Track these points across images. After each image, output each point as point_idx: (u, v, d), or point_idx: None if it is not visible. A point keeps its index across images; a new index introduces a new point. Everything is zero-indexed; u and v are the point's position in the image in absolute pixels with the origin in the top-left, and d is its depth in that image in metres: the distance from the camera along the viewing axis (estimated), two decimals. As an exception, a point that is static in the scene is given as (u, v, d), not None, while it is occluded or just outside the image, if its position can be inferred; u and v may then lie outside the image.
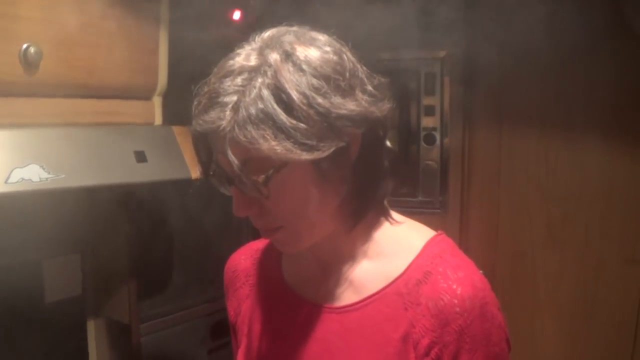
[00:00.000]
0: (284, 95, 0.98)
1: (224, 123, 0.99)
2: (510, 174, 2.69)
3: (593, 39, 2.46)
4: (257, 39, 1.08)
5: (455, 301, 1.08)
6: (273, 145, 0.97)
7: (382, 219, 1.21)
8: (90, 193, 1.99)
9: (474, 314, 1.08)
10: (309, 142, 0.99)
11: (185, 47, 1.92)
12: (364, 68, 1.12)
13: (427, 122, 2.73)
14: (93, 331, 2.22)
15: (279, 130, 0.97)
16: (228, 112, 0.99)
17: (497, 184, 2.70)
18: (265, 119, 0.97)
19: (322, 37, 1.09)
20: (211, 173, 1.08)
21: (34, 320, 2.01)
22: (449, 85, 2.70)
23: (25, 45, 1.41)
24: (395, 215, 1.23)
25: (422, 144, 2.74)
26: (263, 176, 1.02)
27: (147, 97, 1.73)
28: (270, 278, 1.30)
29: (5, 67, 1.40)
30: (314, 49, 1.04)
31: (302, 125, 0.98)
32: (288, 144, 0.98)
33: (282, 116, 0.97)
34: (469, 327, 1.07)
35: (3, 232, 1.84)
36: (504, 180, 2.70)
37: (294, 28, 1.10)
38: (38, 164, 1.41)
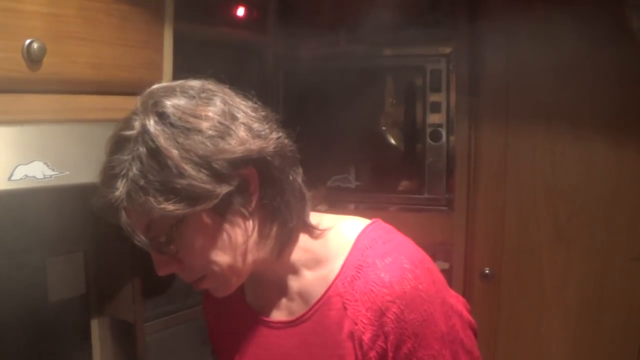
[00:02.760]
0: (162, 158, 1.02)
1: (117, 194, 1.03)
2: (517, 171, 2.68)
3: (599, 36, 2.46)
4: (137, 101, 1.12)
5: (385, 290, 1.09)
6: (164, 206, 1.02)
7: (310, 233, 1.22)
8: (95, 190, 1.97)
9: (406, 298, 1.08)
10: (197, 194, 1.03)
11: (190, 43, 1.91)
12: (247, 103, 1.15)
13: (433, 119, 2.72)
14: (97, 330, 2.21)
15: (166, 191, 1.02)
16: (118, 184, 1.04)
17: (504, 181, 2.70)
18: (152, 183, 1.02)
19: (196, 85, 1.12)
20: (137, 242, 1.10)
21: (38, 319, 2.00)
22: (455, 82, 2.69)
23: (28, 41, 1.39)
24: (326, 217, 1.25)
25: (428, 141, 2.73)
26: (165, 236, 1.07)
27: (152, 93, 1.72)
28: (235, 300, 1.33)
29: (8, 63, 1.38)
30: (186, 101, 1.08)
31: (185, 181, 1.02)
32: (178, 201, 1.02)
33: (165, 177, 1.02)
34: (405, 313, 1.08)
35: (6, 230, 1.83)
36: (510, 177, 2.69)
37: (165, 84, 1.14)
38: (42, 160, 1.39)
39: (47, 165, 1.40)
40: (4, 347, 1.90)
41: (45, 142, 1.42)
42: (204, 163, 1.03)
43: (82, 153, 1.47)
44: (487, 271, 2.75)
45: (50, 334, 2.05)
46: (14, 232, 1.86)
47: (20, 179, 1.36)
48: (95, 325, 2.21)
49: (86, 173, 1.45)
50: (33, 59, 1.41)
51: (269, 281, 1.25)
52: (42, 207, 1.89)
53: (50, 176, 1.41)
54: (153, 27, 1.73)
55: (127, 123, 1.08)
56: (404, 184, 2.80)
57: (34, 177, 1.38)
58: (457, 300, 1.18)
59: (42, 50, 1.41)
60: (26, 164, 1.37)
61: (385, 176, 2.86)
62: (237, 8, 2.62)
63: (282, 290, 1.24)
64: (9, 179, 1.34)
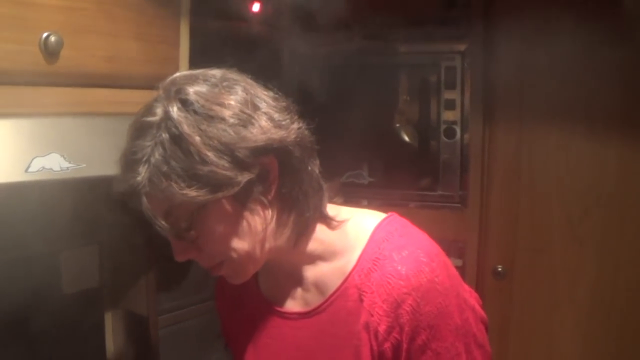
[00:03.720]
0: (185, 144, 1.03)
1: (139, 179, 1.05)
2: (530, 168, 2.68)
3: (614, 34, 2.45)
4: (160, 88, 1.13)
5: (401, 282, 1.10)
6: (186, 192, 1.03)
7: (327, 223, 1.23)
8: (110, 183, 1.98)
9: (422, 291, 1.09)
10: (219, 181, 1.04)
11: (205, 38, 1.91)
12: (269, 93, 1.16)
13: (448, 116, 2.73)
14: (110, 323, 2.22)
15: (189, 177, 1.03)
16: (140, 169, 1.05)
17: (517, 179, 2.70)
18: (174, 169, 1.03)
19: (217, 73, 1.13)
20: (158, 228, 1.11)
21: (52, 312, 2.01)
22: (470, 79, 2.69)
23: (45, 34, 1.40)
24: (344, 210, 1.26)
25: (442, 138, 2.73)
26: (185, 222, 1.09)
27: (168, 87, 1.72)
28: (248, 290, 1.34)
29: (26, 56, 1.39)
30: (208, 89, 1.09)
31: (207, 167, 1.03)
32: (200, 188, 1.04)
33: (188, 163, 1.03)
34: (421, 305, 1.09)
35: (22, 221, 1.83)
36: (524, 175, 2.69)
37: (187, 72, 1.15)
38: (59, 153, 1.40)
39: (64, 158, 1.41)
40: (18, 339, 1.92)
41: (62, 135, 1.43)
42: (227, 150, 1.04)
43: (99, 146, 1.48)
44: (499, 269, 2.75)
45: (64, 326, 2.05)
46: (30, 223, 1.87)
47: (37, 170, 1.37)
48: (108, 318, 2.22)
49: (102, 166, 1.46)
50: (50, 52, 1.42)
51: (284, 272, 1.26)
52: (58, 199, 1.89)
53: (67, 168, 1.42)
54: (170, 22, 1.74)
55: (149, 109, 1.09)
56: (417, 181, 2.80)
57: (51, 169, 1.39)
58: (470, 295, 1.18)
59: (59, 44, 1.42)
60: (43, 156, 1.38)
61: (399, 173, 2.86)
62: (252, 3, 2.62)
63: (297, 280, 1.25)
64: (26, 170, 1.35)
